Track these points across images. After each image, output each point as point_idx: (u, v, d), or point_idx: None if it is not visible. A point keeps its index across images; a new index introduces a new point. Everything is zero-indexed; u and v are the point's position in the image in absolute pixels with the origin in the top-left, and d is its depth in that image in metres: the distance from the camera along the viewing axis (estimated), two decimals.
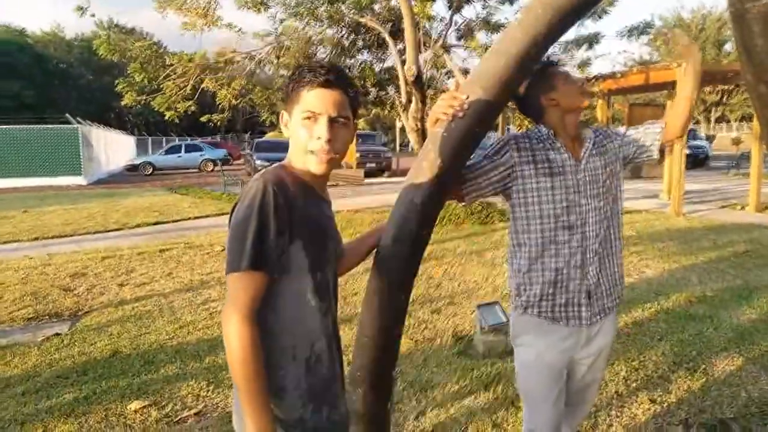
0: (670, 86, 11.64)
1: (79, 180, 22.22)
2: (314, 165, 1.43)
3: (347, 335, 4.35)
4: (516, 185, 2.02)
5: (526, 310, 2.07)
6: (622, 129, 2.22)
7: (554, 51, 11.10)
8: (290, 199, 1.37)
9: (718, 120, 51.70)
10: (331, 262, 1.55)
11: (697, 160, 23.61)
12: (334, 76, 1.43)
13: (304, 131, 1.42)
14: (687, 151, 12.86)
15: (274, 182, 1.35)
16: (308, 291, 1.43)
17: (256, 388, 1.30)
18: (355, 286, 5.63)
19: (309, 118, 1.41)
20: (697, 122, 50.10)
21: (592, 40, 10.98)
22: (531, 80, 2.05)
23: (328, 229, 1.55)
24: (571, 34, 10.93)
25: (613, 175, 2.07)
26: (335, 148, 1.43)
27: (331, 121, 1.42)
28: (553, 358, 2.04)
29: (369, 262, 1.88)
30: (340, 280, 5.28)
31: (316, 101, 1.41)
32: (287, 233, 1.36)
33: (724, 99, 45.12)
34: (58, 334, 4.68)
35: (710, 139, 35.11)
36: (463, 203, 2.12)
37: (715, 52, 40.96)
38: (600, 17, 10.76)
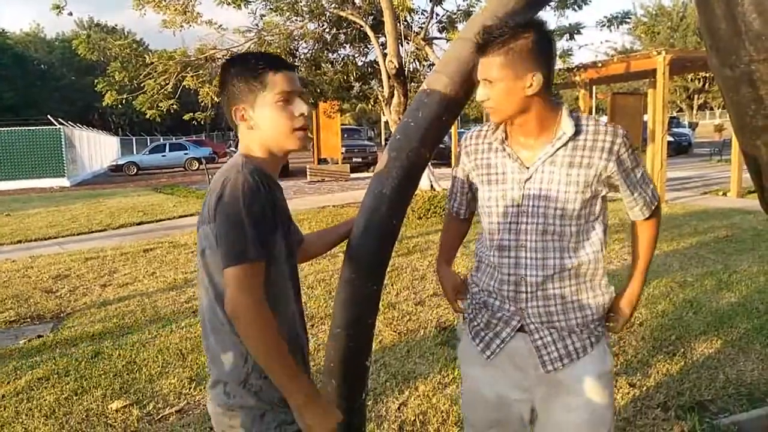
0: (651, 74, 11.71)
1: (62, 182, 22.01)
2: (298, 143, 1.48)
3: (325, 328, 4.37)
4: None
5: (467, 324, 1.89)
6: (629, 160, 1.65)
7: None
8: (269, 188, 1.41)
9: (701, 107, 52.11)
10: (296, 248, 1.62)
11: (680, 148, 23.83)
12: (285, 60, 1.51)
13: (282, 113, 1.45)
14: (669, 139, 12.95)
15: (256, 173, 1.39)
16: (287, 277, 1.50)
17: (289, 364, 1.35)
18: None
19: (285, 99, 1.45)
20: (680, 110, 50.48)
21: (572, 30, 10.96)
22: None
23: (290, 215, 1.61)
24: (551, 25, 10.89)
25: (586, 195, 1.62)
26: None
27: (300, 98, 1.48)
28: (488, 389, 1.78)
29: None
30: (326, 275, 5.28)
31: (289, 82, 1.45)
32: (272, 222, 1.40)
33: (707, 86, 45.44)
34: (40, 336, 4.64)
35: (693, 126, 35.44)
36: (465, 220, 1.97)
37: (696, 39, 41.20)
38: (580, 7, 10.75)
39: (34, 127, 22.62)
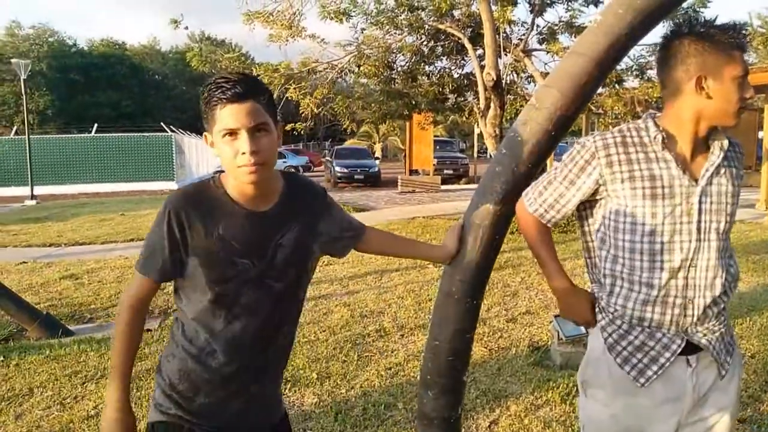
0: (767, 89, 10.93)
1: (172, 185, 23.43)
2: (246, 177, 1.43)
3: (421, 340, 4.37)
4: (607, 205, 1.61)
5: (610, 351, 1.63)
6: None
7: (640, 53, 10.66)
8: (190, 219, 1.48)
9: None
10: (248, 277, 1.51)
11: None
12: (242, 88, 1.40)
13: (228, 149, 1.42)
14: None
15: (172, 205, 1.49)
16: (208, 300, 1.52)
17: (117, 365, 1.55)
18: (430, 292, 5.63)
19: (228, 134, 1.41)
20: None
21: None
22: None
23: (249, 244, 1.51)
24: (659, 35, 10.39)
25: (735, 205, 1.59)
26: (262, 158, 1.42)
27: (251, 132, 1.41)
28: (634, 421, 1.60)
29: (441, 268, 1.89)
30: (415, 285, 5.24)
31: (231, 118, 1.40)
32: (181, 251, 1.49)
33: None
34: (148, 330, 4.96)
35: None
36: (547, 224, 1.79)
37: None
38: None
39: (148, 134, 24.35)
